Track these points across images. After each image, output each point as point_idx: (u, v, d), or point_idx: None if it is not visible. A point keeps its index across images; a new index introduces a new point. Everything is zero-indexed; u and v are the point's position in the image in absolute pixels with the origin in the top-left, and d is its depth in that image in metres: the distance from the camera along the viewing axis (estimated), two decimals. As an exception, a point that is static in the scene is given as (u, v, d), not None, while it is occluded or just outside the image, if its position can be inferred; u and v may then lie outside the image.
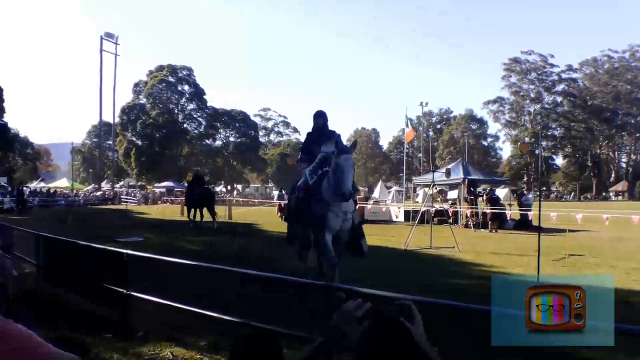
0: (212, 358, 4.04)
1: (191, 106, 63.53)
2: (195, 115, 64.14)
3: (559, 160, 76.43)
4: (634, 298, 5.88)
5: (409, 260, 9.65)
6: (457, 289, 6.38)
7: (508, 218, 17.80)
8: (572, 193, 72.03)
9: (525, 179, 67.48)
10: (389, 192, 32.56)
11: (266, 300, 4.85)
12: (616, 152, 77.64)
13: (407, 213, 20.65)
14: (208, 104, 63.98)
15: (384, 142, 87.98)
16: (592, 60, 73.64)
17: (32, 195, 37.09)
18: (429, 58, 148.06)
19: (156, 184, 55.18)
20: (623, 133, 73.75)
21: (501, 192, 25.85)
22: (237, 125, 66.18)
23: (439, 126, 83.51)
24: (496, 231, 16.28)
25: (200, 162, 60.07)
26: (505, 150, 78.49)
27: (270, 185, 74.08)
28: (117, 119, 58.05)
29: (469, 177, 18.77)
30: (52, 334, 2.35)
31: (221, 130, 66.53)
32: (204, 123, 64.16)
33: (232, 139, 67.10)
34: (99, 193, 48.24)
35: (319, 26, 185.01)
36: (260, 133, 74.12)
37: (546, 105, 75.41)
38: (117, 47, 55.68)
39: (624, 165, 77.02)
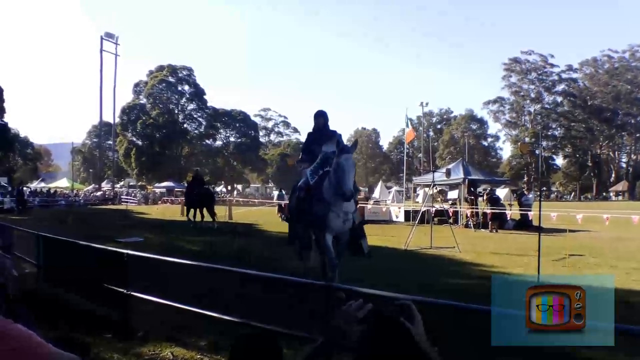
0: (212, 358, 4.04)
1: (191, 106, 63.56)
2: (195, 116, 64.16)
3: (559, 160, 76.55)
4: (634, 298, 5.88)
5: (409, 260, 9.65)
6: (457, 289, 6.37)
7: (508, 218, 17.79)
8: (573, 193, 72.02)
9: (525, 179, 67.48)
10: (389, 192, 32.51)
11: (266, 300, 4.85)
12: (616, 152, 77.63)
13: (407, 213, 20.64)
14: (208, 104, 64.04)
15: (384, 142, 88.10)
16: (592, 60, 73.66)
17: (32, 195, 37.10)
18: (429, 58, 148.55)
19: (156, 184, 55.18)
20: (623, 133, 73.74)
21: (501, 192, 25.85)
22: (237, 125, 66.20)
23: (439, 126, 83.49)
24: (496, 231, 16.28)
25: (201, 162, 60.09)
26: (506, 150, 78.64)
27: (270, 185, 74.07)
28: (117, 119, 58.09)
29: (469, 177, 18.76)
30: (52, 334, 2.35)
31: (221, 131, 66.55)
32: (204, 123, 64.17)
33: (232, 139, 67.12)
34: (99, 193, 48.24)
35: (319, 26, 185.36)
36: (261, 133, 74.14)
37: (546, 105, 75.42)
38: (117, 47, 55.75)
39: (624, 165, 77.01)
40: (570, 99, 73.45)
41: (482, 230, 16.81)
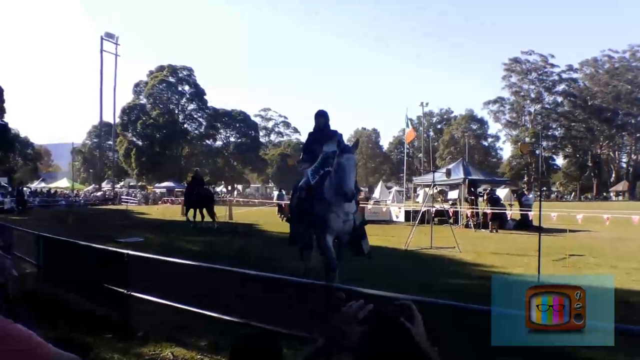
0: (213, 358, 4.04)
1: (191, 106, 63.58)
2: (195, 116, 64.19)
3: (560, 161, 76.54)
4: (634, 298, 5.88)
5: (409, 261, 9.65)
6: (457, 289, 6.38)
7: (508, 218, 17.79)
8: (573, 193, 72.03)
9: (525, 179, 67.48)
10: (389, 192, 32.49)
11: (266, 300, 4.85)
12: (617, 152, 77.61)
13: (407, 213, 20.65)
14: (208, 104, 64.05)
15: (385, 142, 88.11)
16: (592, 60, 73.65)
17: (32, 195, 37.13)
18: (429, 58, 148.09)
19: (156, 184, 55.21)
20: (623, 133, 73.73)
21: (502, 192, 25.84)
22: (237, 125, 66.23)
23: (439, 126, 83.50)
24: (497, 231, 16.28)
25: (201, 162, 60.11)
26: (506, 150, 78.63)
27: (270, 185, 74.09)
28: (117, 119, 58.12)
29: (470, 177, 18.77)
30: (52, 334, 2.35)
31: (221, 131, 66.57)
32: (204, 123, 64.19)
33: (232, 139, 67.15)
34: (99, 193, 48.27)
35: (319, 26, 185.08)
36: (261, 133, 74.17)
37: (546, 106, 75.41)
38: (117, 47, 55.80)
39: (624, 165, 77.00)
40: (570, 99, 73.45)
41: (483, 230, 16.81)
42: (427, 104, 30.71)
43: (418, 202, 22.61)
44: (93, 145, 76.24)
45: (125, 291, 4.91)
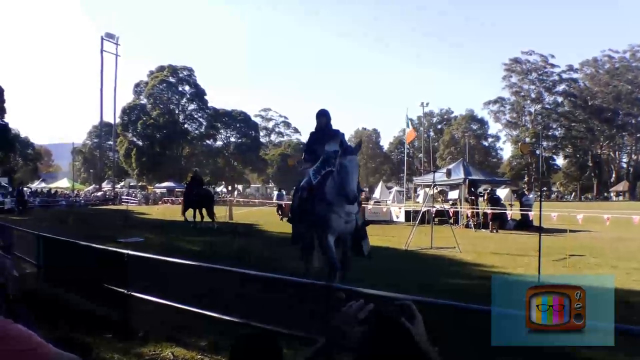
0: (213, 358, 4.04)
1: (192, 106, 63.60)
2: (195, 116, 64.21)
3: (560, 161, 76.49)
4: (634, 298, 5.88)
5: (410, 261, 9.65)
6: (457, 289, 6.37)
7: (509, 218, 17.78)
8: (573, 193, 72.00)
9: (526, 179, 67.48)
10: (389, 193, 32.55)
11: (266, 300, 4.85)
12: (617, 152, 77.58)
13: (407, 213, 20.64)
14: (209, 105, 64.08)
15: (385, 143, 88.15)
16: (592, 61, 73.63)
17: (32, 195, 37.12)
18: (429, 58, 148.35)
19: (157, 185, 55.23)
20: (624, 133, 73.69)
21: (502, 193, 25.83)
22: (237, 125, 66.25)
23: (439, 126, 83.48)
24: (497, 231, 16.27)
25: (201, 162, 60.14)
26: (506, 150, 78.60)
27: (270, 185, 74.07)
28: (117, 120, 58.12)
29: (470, 178, 18.76)
30: (52, 334, 2.35)
31: (222, 131, 66.59)
32: (204, 123, 64.21)
33: (232, 139, 67.16)
34: (99, 193, 48.25)
35: (319, 26, 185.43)
36: (261, 133, 74.18)
37: (547, 106, 75.38)
38: (117, 47, 55.80)
39: (624, 165, 76.96)
40: (570, 99, 73.42)
41: (483, 230, 16.80)
42: (427, 104, 30.65)
43: (418, 202, 22.63)
44: (93, 145, 76.25)
45: (126, 291, 4.91)
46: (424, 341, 1.11)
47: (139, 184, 59.61)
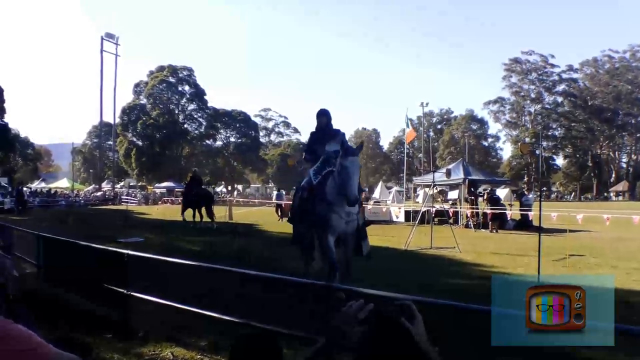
0: (213, 358, 4.04)
1: (192, 106, 63.58)
2: (195, 116, 64.18)
3: (560, 161, 76.51)
4: (634, 298, 5.88)
5: (409, 261, 9.65)
6: (457, 289, 6.37)
7: (508, 218, 17.79)
8: (573, 193, 72.00)
9: (525, 179, 67.46)
10: (389, 193, 32.49)
11: (266, 300, 4.85)
12: (617, 152, 77.59)
13: (407, 213, 20.64)
14: (208, 105, 64.06)
15: (385, 143, 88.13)
16: (592, 61, 73.63)
17: (32, 195, 37.11)
18: (429, 58, 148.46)
19: (157, 185, 55.20)
20: (624, 133, 73.71)
21: (502, 193, 25.84)
22: (237, 125, 66.22)
23: (439, 126, 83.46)
24: (497, 231, 16.27)
25: (201, 162, 60.14)
26: (506, 150, 78.60)
27: (270, 185, 74.04)
28: (117, 120, 58.11)
29: (470, 178, 18.77)
30: (52, 334, 2.35)
31: (222, 131, 66.56)
32: (204, 123, 64.19)
33: (232, 139, 67.14)
34: (99, 193, 48.26)
35: (319, 26, 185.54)
36: (261, 133, 74.14)
37: (547, 106, 75.38)
38: (117, 47, 55.79)
39: (624, 165, 76.97)
40: (570, 99, 73.42)
41: (483, 230, 16.80)
42: (427, 104, 30.67)
43: (418, 202, 22.60)
44: (93, 145, 76.22)
45: (125, 291, 4.91)
46: (424, 341, 1.11)
47: (139, 184, 59.60)
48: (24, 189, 33.47)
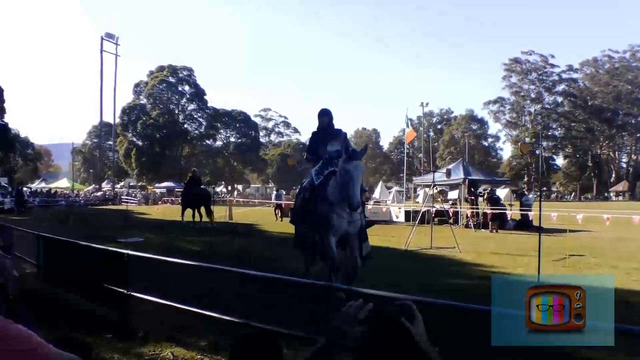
0: (213, 358, 4.04)
1: (192, 106, 63.57)
2: (195, 116, 64.18)
3: (560, 161, 76.51)
4: (634, 298, 5.88)
5: (409, 261, 9.65)
6: (457, 289, 6.37)
7: (509, 218, 17.78)
8: (573, 193, 72.01)
9: (525, 179, 67.47)
10: (389, 193, 32.50)
11: (266, 300, 4.85)
12: (617, 152, 77.59)
13: (407, 213, 20.63)
14: (208, 104, 64.05)
15: (385, 143, 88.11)
16: (592, 61, 73.62)
17: (32, 195, 37.10)
18: (429, 58, 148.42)
19: (157, 185, 55.22)
20: (624, 133, 73.71)
21: (502, 193, 25.85)
22: (237, 125, 66.21)
23: (439, 126, 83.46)
24: (497, 231, 16.27)
25: (201, 162, 60.13)
26: (506, 150, 78.61)
27: (270, 185, 74.00)
28: (117, 120, 58.11)
29: (470, 178, 18.76)
30: (53, 334, 2.35)
31: (222, 131, 66.55)
32: (204, 123, 64.18)
33: (232, 139, 67.13)
34: (99, 193, 48.26)
35: (319, 26, 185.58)
36: (261, 133, 74.12)
37: (547, 106, 75.39)
38: (117, 47, 55.80)
39: (624, 165, 76.97)
40: (570, 99, 73.42)
41: (483, 230, 16.80)
42: (427, 104, 30.69)
43: (418, 202, 22.61)
44: (93, 145, 76.22)
45: (125, 291, 4.91)
46: (424, 341, 1.11)
47: (139, 184, 59.59)
48: (24, 189, 33.47)
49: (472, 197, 18.33)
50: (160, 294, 4.85)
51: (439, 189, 21.40)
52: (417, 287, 6.21)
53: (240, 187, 70.07)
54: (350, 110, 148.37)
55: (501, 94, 76.65)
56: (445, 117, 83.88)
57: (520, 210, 18.10)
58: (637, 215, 12.53)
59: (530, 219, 16.03)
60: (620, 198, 64.22)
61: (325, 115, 6.18)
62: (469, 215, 18.07)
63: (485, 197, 18.32)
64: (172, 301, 4.72)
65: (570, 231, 12.32)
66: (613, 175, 74.65)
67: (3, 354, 1.41)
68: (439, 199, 22.15)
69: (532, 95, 74.97)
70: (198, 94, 62.50)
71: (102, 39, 55.13)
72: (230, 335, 3.82)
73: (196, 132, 64.21)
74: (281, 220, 19.99)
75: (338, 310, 1.35)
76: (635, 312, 4.96)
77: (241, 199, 41.34)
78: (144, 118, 58.57)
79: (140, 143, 59.20)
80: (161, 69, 61.55)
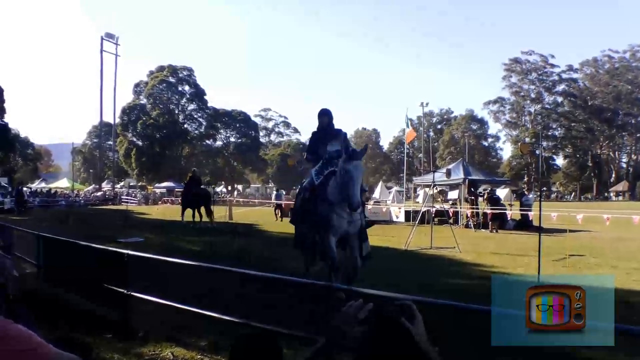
0: (212, 358, 4.04)
1: (192, 106, 63.57)
2: (195, 116, 64.18)
3: (560, 161, 76.52)
4: (634, 298, 5.88)
5: (409, 261, 9.65)
6: (457, 289, 6.37)
7: (509, 218, 17.78)
8: (573, 193, 72.01)
9: (525, 179, 67.47)
10: (389, 193, 32.49)
11: (266, 300, 4.85)
12: (617, 152, 77.59)
13: (407, 213, 20.63)
14: (208, 104, 64.05)
15: (385, 143, 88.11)
16: (592, 61, 73.62)
17: (32, 195, 37.10)
18: (429, 58, 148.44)
19: (157, 185, 55.21)
20: (624, 133, 73.71)
21: (502, 193, 25.85)
22: (237, 125, 66.21)
23: (439, 126, 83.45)
24: (497, 231, 16.27)
25: (201, 162, 60.13)
26: (506, 150, 78.60)
27: (270, 185, 73.98)
28: (117, 120, 58.10)
29: (470, 178, 18.76)
30: (53, 334, 2.35)
31: (222, 131, 66.55)
32: (204, 123, 64.18)
33: (232, 139, 67.13)
34: (99, 193, 48.25)
35: (319, 26, 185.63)
36: (261, 133, 74.11)
37: (547, 106, 75.38)
38: (117, 47, 55.80)
39: (624, 165, 76.97)
40: (570, 99, 73.42)
41: (483, 230, 16.80)
42: (427, 104, 30.70)
43: (418, 202, 22.61)
44: (93, 145, 76.21)
45: (125, 291, 4.91)
46: (424, 341, 1.11)
47: (139, 184, 59.60)
48: (24, 189, 33.47)
49: (472, 197, 18.33)
50: (160, 294, 4.85)
51: (439, 189, 21.40)
52: (417, 287, 6.21)
53: (240, 187, 70.06)
54: (350, 110, 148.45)
55: (501, 94, 76.80)
56: (445, 117, 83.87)
57: (520, 210, 18.09)
58: (637, 215, 12.53)
59: (530, 219, 16.03)
60: (620, 198, 64.21)
61: (325, 115, 6.18)
62: (469, 215, 18.07)
63: (485, 197, 18.32)
64: (172, 301, 4.72)
65: (570, 231, 12.32)
66: (613, 175, 74.65)
67: (3, 354, 1.41)
68: (439, 199, 22.14)
69: (532, 95, 74.97)
70: (198, 94, 62.49)
71: (102, 39, 55.18)
72: (230, 335, 3.82)
73: (196, 132, 64.22)
74: (281, 220, 19.99)
75: (338, 310, 1.35)
76: (635, 312, 4.96)
77: (241, 199, 41.34)
78: (144, 118, 58.57)
79: (140, 143, 59.20)
80: (161, 69, 61.55)
